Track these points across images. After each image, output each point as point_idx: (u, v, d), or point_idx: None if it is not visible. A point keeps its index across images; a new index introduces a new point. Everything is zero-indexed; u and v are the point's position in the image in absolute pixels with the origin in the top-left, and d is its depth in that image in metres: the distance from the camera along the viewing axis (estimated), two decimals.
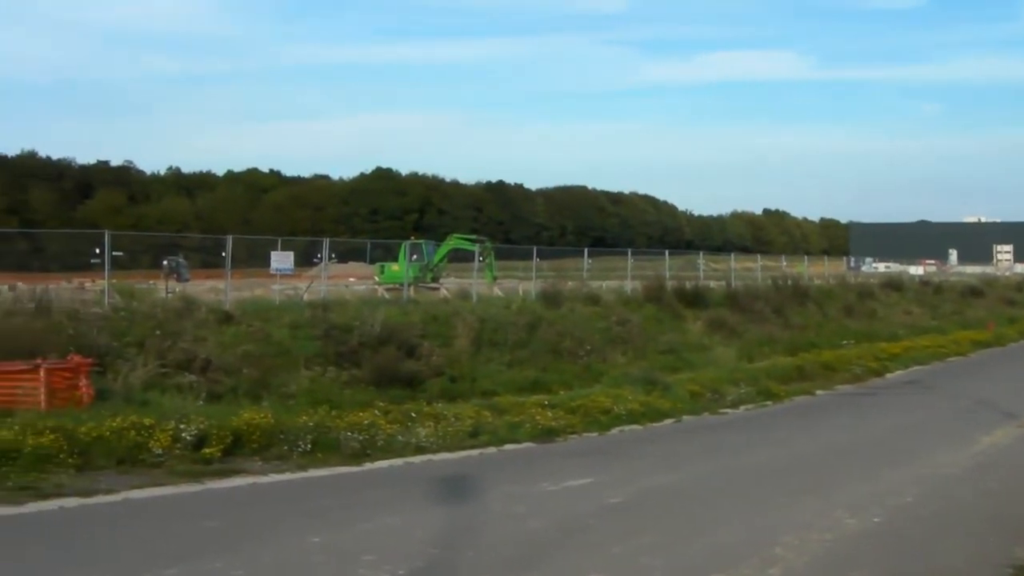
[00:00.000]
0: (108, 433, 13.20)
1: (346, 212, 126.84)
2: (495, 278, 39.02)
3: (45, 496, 11.42)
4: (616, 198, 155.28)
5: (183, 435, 13.65)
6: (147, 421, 13.70)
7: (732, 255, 51.30)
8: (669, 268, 39.22)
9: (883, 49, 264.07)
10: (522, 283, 36.57)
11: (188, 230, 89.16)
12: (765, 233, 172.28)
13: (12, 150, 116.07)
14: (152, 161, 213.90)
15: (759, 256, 54.13)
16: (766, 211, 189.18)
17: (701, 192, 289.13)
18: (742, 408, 21.69)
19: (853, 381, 27.32)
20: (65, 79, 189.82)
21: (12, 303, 19.48)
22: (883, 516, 11.36)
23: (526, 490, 12.46)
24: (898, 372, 30.07)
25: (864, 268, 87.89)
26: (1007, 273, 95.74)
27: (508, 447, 16.00)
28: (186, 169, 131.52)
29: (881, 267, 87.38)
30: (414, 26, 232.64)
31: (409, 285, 33.07)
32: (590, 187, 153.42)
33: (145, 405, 15.34)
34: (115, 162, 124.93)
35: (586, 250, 40.11)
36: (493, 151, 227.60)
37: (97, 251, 22.61)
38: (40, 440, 12.65)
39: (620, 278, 37.56)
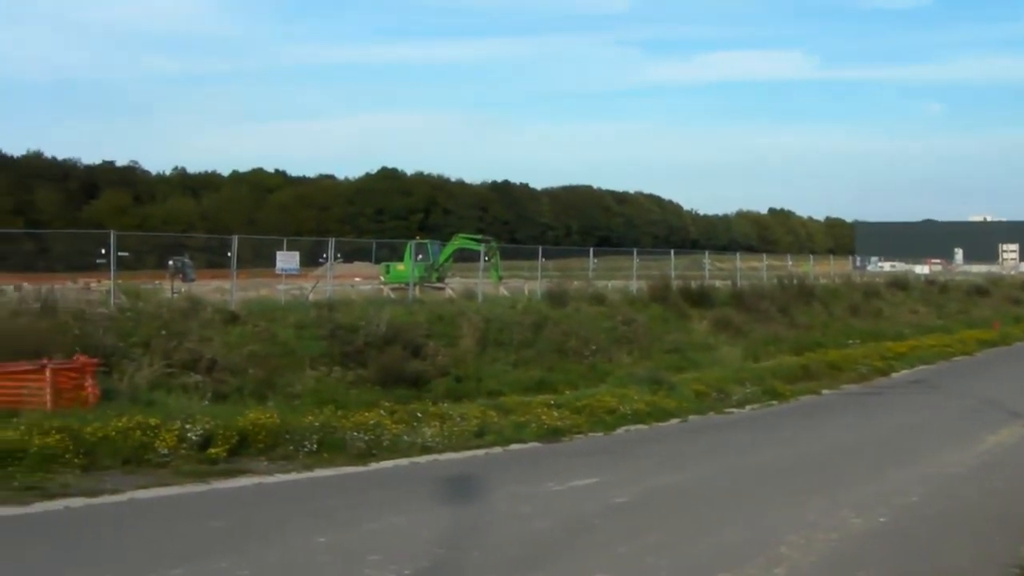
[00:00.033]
0: (114, 433, 13.22)
1: (351, 212, 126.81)
2: (500, 278, 38.98)
3: (51, 496, 11.44)
4: (621, 198, 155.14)
5: (189, 435, 13.67)
6: (153, 421, 13.73)
7: (737, 254, 51.24)
8: (674, 268, 39.22)
9: (884, 49, 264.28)
10: (527, 283, 36.50)
11: (193, 230, 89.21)
12: (770, 232, 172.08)
13: (17, 151, 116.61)
14: (155, 161, 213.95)
15: (764, 255, 53.95)
16: (771, 210, 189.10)
17: (704, 192, 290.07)
18: (748, 408, 21.67)
19: (859, 380, 27.28)
20: (65, 79, 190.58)
21: (18, 303, 19.52)
22: (889, 516, 11.34)
23: (532, 490, 12.45)
24: (904, 371, 30.02)
25: (870, 267, 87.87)
26: (1013, 272, 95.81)
27: (514, 447, 16.00)
28: (190, 169, 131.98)
29: (887, 266, 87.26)
30: (414, 26, 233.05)
31: (415, 285, 33.02)
32: (595, 187, 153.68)
33: (151, 405, 15.38)
34: (120, 162, 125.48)
35: (591, 250, 39.98)
36: (494, 151, 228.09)
37: (103, 251, 22.66)
38: (46, 440, 12.68)
39: (625, 278, 37.52)
